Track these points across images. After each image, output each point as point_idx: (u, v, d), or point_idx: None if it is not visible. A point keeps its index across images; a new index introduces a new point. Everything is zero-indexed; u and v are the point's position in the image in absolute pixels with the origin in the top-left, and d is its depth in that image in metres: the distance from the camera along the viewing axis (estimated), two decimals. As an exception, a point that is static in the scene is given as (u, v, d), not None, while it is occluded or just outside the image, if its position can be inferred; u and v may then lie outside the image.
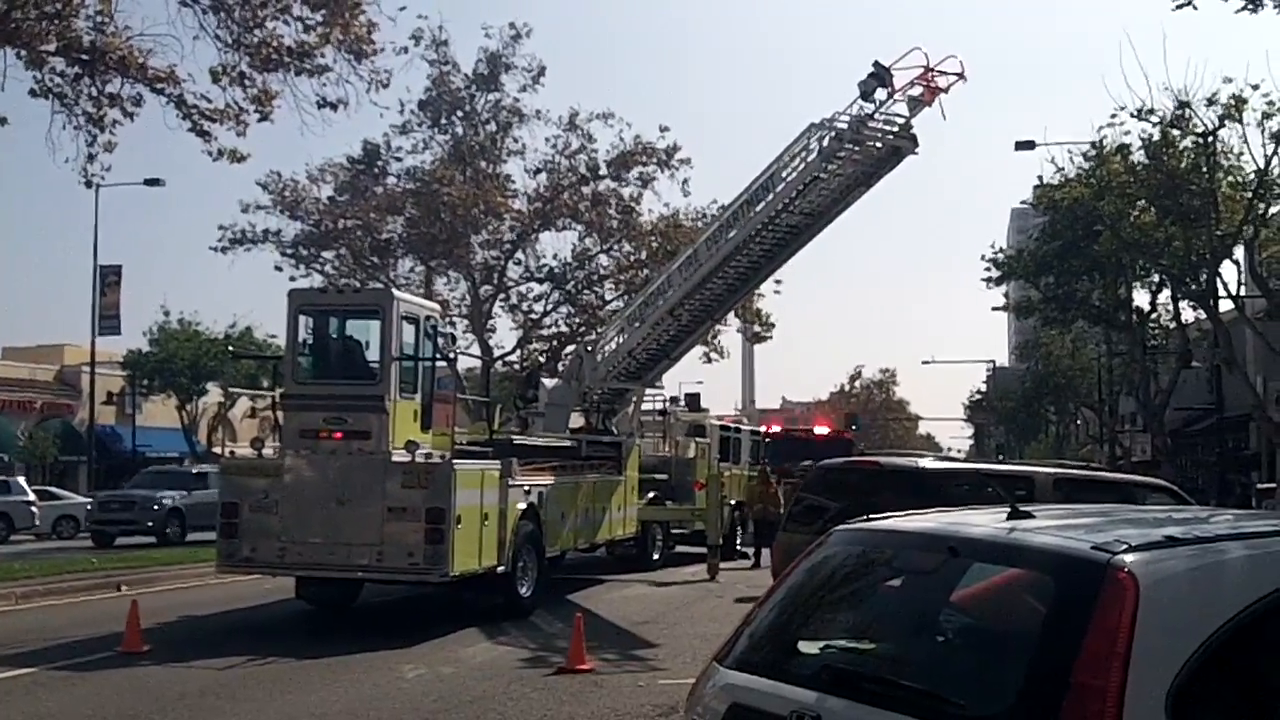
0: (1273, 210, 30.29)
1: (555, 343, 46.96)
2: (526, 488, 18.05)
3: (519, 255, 46.13)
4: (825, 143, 19.68)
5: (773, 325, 48.13)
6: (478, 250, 45.03)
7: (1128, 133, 31.23)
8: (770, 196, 20.44)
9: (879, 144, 20.00)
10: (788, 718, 4.04)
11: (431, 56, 43.09)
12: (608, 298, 46.86)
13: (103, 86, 21.66)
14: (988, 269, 44.54)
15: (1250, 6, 20.74)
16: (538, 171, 45.12)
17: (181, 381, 56.76)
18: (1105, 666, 3.44)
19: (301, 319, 17.17)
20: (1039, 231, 42.40)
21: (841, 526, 5.00)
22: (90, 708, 11.17)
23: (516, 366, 46.68)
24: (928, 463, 15.64)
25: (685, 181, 44.45)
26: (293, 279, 43.33)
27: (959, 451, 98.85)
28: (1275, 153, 28.35)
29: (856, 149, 19.93)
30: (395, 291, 19.98)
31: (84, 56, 21.21)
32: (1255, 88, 27.90)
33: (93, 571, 22.80)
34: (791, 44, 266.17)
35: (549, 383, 26.00)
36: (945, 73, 19.36)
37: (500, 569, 16.95)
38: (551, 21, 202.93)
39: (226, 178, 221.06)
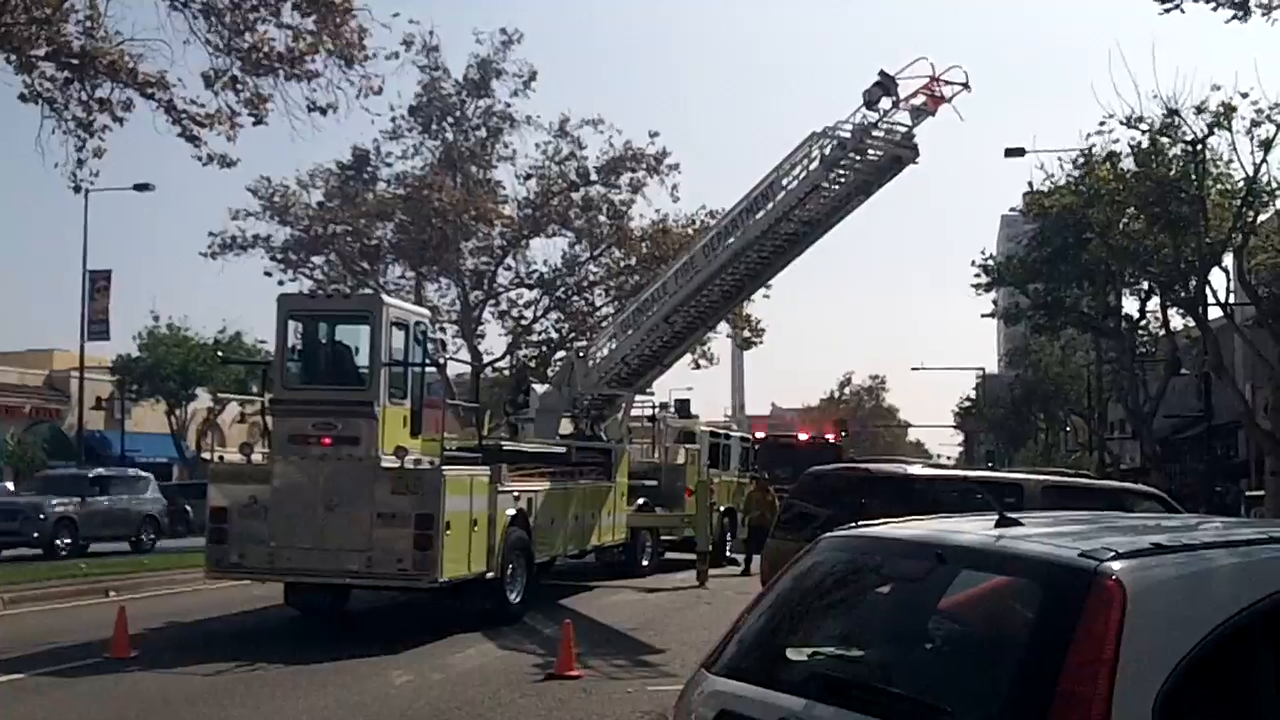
0: (1261, 218, 30.36)
1: (545, 349, 46.92)
2: (516, 494, 18.05)
3: (509, 261, 46.10)
4: (828, 151, 19.70)
5: (762, 331, 48.14)
6: (468, 256, 45.00)
7: (1117, 140, 31.29)
8: (770, 205, 20.47)
9: (880, 153, 20.03)
10: (775, 725, 4.04)
11: (422, 62, 43.09)
12: (598, 304, 46.87)
13: (93, 91, 21.61)
14: (977, 276, 44.59)
15: (1239, 16, 20.79)
16: (528, 177, 45.12)
17: (170, 387, 56.70)
18: (1092, 674, 3.44)
19: (291, 324, 17.15)
20: (1028, 238, 42.46)
21: (830, 534, 5.01)
22: (77, 714, 11.14)
23: (506, 372, 46.63)
24: (917, 470, 15.67)
25: (675, 187, 44.48)
26: (282, 284, 43.26)
27: (948, 458, 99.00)
28: (1264, 160, 28.44)
29: (858, 158, 19.95)
30: (385, 297, 20.01)
31: (74, 61, 21.16)
32: (1244, 95, 27.96)
33: (81, 577, 22.74)
34: (780, 52, 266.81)
35: (539, 389, 26.02)
36: (950, 82, 19.39)
37: (489, 575, 16.94)
38: (542, 28, 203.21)
39: (216, 183, 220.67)
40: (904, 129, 19.69)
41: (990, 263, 44.96)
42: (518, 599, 17.87)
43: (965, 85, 19.52)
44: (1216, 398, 39.61)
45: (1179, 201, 29.76)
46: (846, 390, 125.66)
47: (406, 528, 15.52)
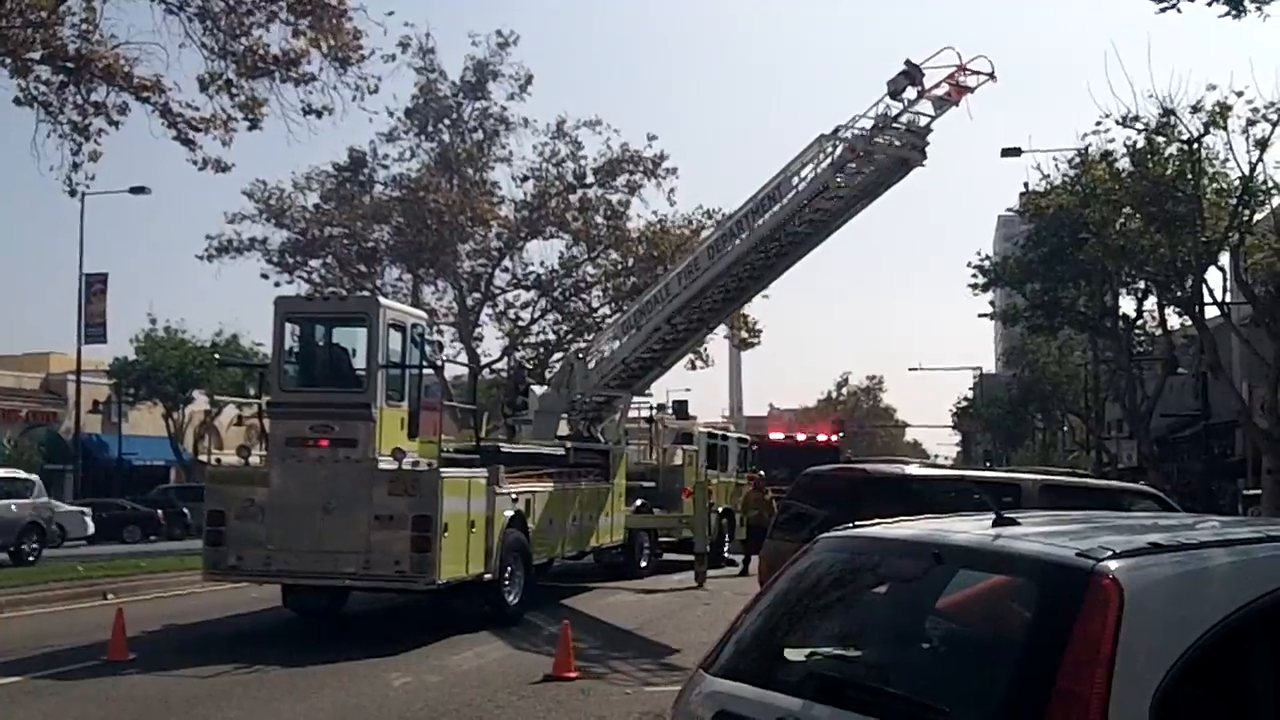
0: (1257, 217, 30.38)
1: (542, 350, 46.95)
2: (513, 495, 18.04)
3: (506, 263, 46.16)
4: (837, 153, 19.72)
5: (760, 332, 48.23)
6: (465, 258, 45.03)
7: (1113, 140, 31.31)
8: (776, 207, 20.50)
9: (888, 155, 20.03)
10: (773, 725, 4.04)
11: (419, 64, 43.16)
12: (595, 305, 46.90)
13: (88, 95, 21.61)
14: (974, 276, 44.61)
15: (1233, 12, 20.81)
16: (525, 179, 45.18)
17: (168, 390, 56.64)
18: (1089, 673, 3.44)
19: (288, 327, 17.14)
20: (1025, 238, 42.50)
21: (827, 534, 5.01)
22: (75, 717, 11.14)
23: (503, 374, 46.65)
24: (914, 470, 15.66)
25: (672, 190, 44.52)
26: (279, 287, 43.29)
27: (946, 458, 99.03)
28: (1260, 159, 28.47)
29: (867, 160, 19.97)
30: (382, 299, 19.97)
31: (69, 64, 21.16)
32: (1239, 94, 28.00)
33: (79, 580, 22.71)
34: (778, 54, 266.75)
35: (538, 390, 26.01)
36: (976, 72, 19.37)
37: (487, 577, 16.94)
38: (539, 30, 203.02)
39: (213, 185, 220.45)
40: (926, 119, 19.66)
41: (987, 263, 45.00)
42: (516, 600, 17.86)
43: (991, 75, 19.47)
44: (1213, 397, 39.67)
45: (1175, 201, 29.78)
46: (844, 390, 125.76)
47: (404, 529, 15.52)
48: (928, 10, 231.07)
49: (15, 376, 57.97)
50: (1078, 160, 33.75)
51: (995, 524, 4.35)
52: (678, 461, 28.36)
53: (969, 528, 4.49)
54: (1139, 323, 43.13)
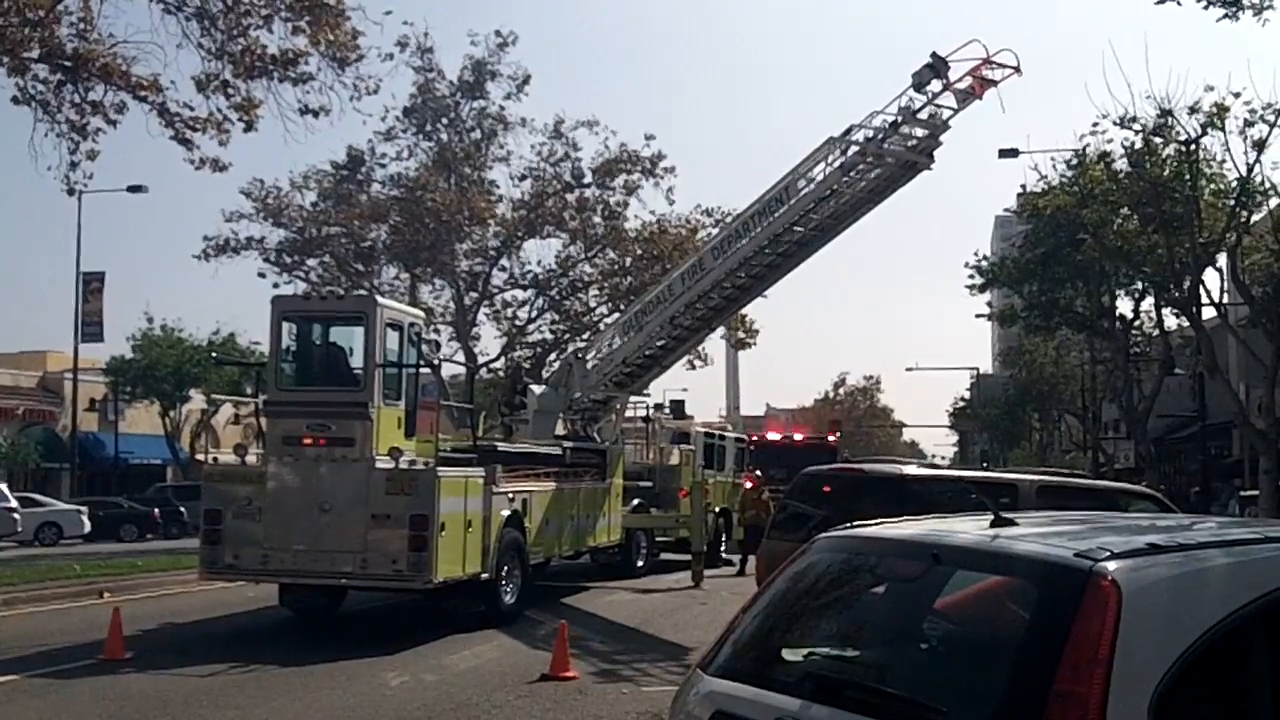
0: (1255, 218, 30.39)
1: (539, 350, 46.93)
2: (510, 495, 18.04)
3: (503, 262, 46.13)
4: (847, 156, 19.73)
5: (757, 332, 48.22)
6: (462, 257, 45.01)
7: (1110, 141, 31.31)
8: (783, 209, 20.54)
9: (897, 159, 20.05)
10: (771, 726, 4.04)
11: (417, 63, 43.15)
12: (592, 305, 46.89)
13: (85, 94, 21.61)
14: (971, 276, 44.59)
15: (1230, 15, 20.84)
16: (523, 178, 45.17)
17: (164, 388, 56.61)
18: (1087, 674, 3.44)
19: (285, 325, 17.12)
20: (1022, 239, 42.48)
21: (825, 534, 5.00)
22: (72, 715, 11.12)
23: (500, 373, 46.63)
24: (911, 470, 15.67)
25: (670, 190, 44.50)
26: (276, 286, 43.27)
27: (943, 459, 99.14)
28: (1257, 160, 28.49)
29: (877, 163, 19.98)
30: (379, 298, 19.99)
31: (67, 63, 21.16)
32: (1237, 95, 28.00)
33: (76, 578, 22.71)
34: (776, 54, 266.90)
35: (537, 389, 26.00)
36: (1002, 65, 19.35)
37: (484, 576, 16.93)
38: (537, 29, 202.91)
39: (210, 184, 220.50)
40: (949, 112, 19.65)
41: (984, 263, 44.99)
42: (513, 600, 17.86)
43: (1016, 69, 19.45)
44: (1210, 397, 39.64)
45: (1173, 201, 29.81)
46: (841, 390, 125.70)
47: (401, 529, 15.50)
48: (927, 10, 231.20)
49: (12, 375, 57.94)
50: (1075, 161, 33.75)
51: (993, 524, 4.35)
52: (674, 461, 28.35)
53: (967, 528, 4.48)
54: (1136, 323, 43.12)
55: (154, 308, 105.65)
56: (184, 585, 22.21)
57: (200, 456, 49.48)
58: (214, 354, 50.99)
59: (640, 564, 26.24)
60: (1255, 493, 32.88)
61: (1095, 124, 31.50)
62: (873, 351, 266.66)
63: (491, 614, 17.29)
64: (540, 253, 61.75)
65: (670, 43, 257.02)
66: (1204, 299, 32.04)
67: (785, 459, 32.61)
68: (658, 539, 27.28)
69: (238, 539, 16.20)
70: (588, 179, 44.57)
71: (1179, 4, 20.38)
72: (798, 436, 44.00)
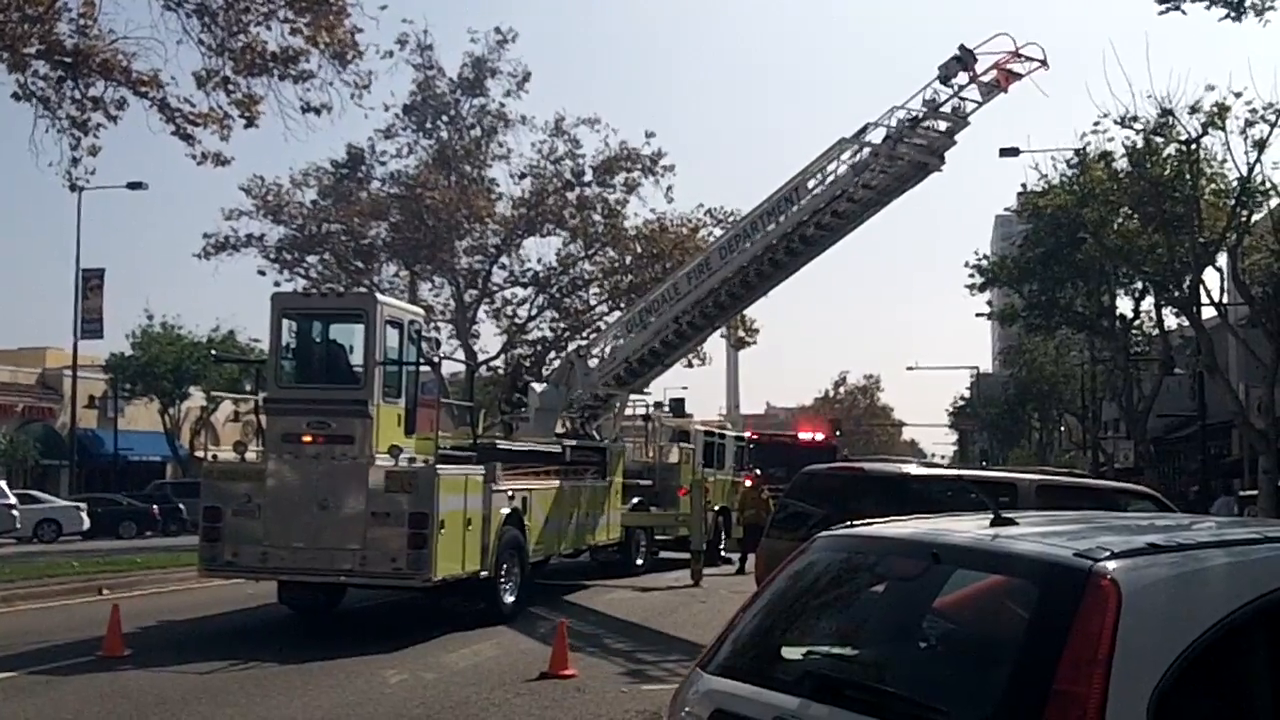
0: (1255, 218, 30.38)
1: (539, 347, 46.95)
2: (510, 493, 18.02)
3: (503, 260, 46.15)
4: (859, 156, 19.74)
5: (757, 331, 48.24)
6: (462, 255, 45.04)
7: (1111, 140, 31.28)
8: (794, 209, 20.58)
9: (909, 160, 20.05)
10: (770, 724, 4.03)
11: (417, 61, 43.18)
12: (592, 303, 46.91)
13: (86, 90, 21.59)
14: (972, 275, 44.55)
15: (1233, 16, 20.83)
16: (523, 176, 45.19)
17: (164, 385, 56.60)
18: (1087, 673, 3.44)
19: (285, 323, 17.10)
20: (1023, 238, 42.45)
21: (825, 532, 5.00)
22: (70, 712, 11.11)
23: (501, 371, 46.64)
24: (911, 469, 15.66)
25: (670, 188, 44.52)
26: (276, 283, 43.33)
27: (942, 458, 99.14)
28: (1258, 160, 28.47)
29: (889, 164, 19.99)
30: (379, 296, 19.97)
31: (67, 59, 21.13)
32: (1238, 95, 27.99)
33: (74, 575, 22.72)
34: (776, 53, 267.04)
35: (538, 387, 26.00)
36: (1029, 58, 19.34)
37: (483, 574, 16.92)
38: (537, 27, 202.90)
39: (210, 181, 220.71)
40: (973, 105, 19.64)
41: (984, 263, 44.97)
42: (512, 598, 17.85)
43: (1043, 62, 19.42)
44: (1210, 397, 39.60)
45: (1173, 201, 29.79)
46: (841, 389, 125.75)
47: (400, 527, 15.49)
48: (926, 11, 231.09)
49: (11, 371, 57.93)
50: (1076, 160, 33.74)
51: (993, 524, 4.34)
52: (674, 459, 28.35)
53: (967, 527, 4.48)
54: (1136, 323, 43.09)
55: (154, 304, 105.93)
56: (183, 582, 22.22)
57: (200, 454, 49.55)
58: (214, 351, 51.00)
59: (640, 562, 26.25)
60: (1254, 492, 32.87)
61: (1096, 123, 31.52)
62: (873, 350, 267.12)
63: (491, 612, 17.28)
64: (540, 251, 61.89)
65: (671, 41, 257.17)
66: (1204, 299, 32.03)
67: (784, 458, 32.60)
68: (657, 537, 27.29)
69: (237, 536, 16.18)
70: (588, 177, 44.59)
71: (1183, 12, 20.39)
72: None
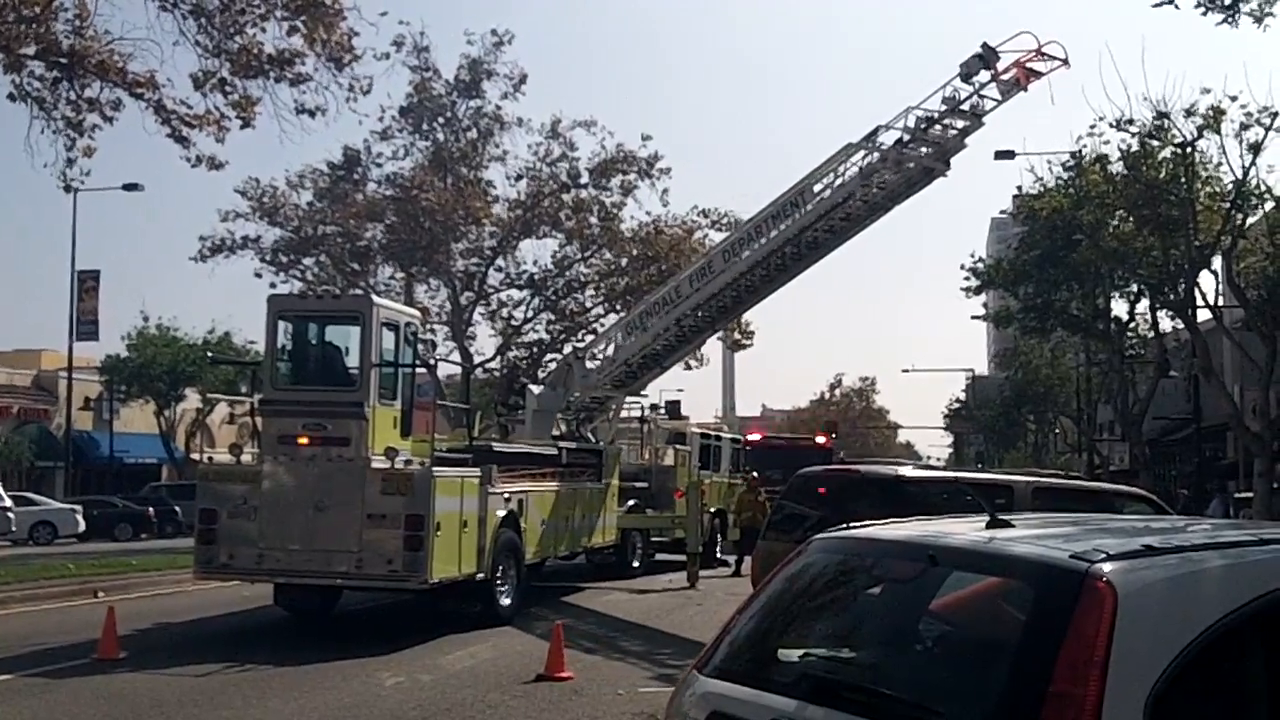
0: (1250, 221, 30.42)
1: (535, 350, 46.93)
2: (506, 495, 18.02)
3: (499, 262, 46.12)
4: (868, 160, 19.75)
5: (753, 333, 48.25)
6: (458, 257, 45.01)
7: (1107, 143, 31.31)
8: (800, 213, 20.59)
9: (916, 164, 20.07)
10: (767, 726, 4.04)
11: (413, 62, 43.16)
12: (588, 305, 46.89)
13: (82, 91, 21.57)
14: (967, 278, 44.59)
15: (1228, 20, 20.84)
16: (519, 178, 45.17)
17: (159, 387, 56.57)
18: (1083, 675, 3.44)
19: (281, 325, 17.09)
20: (1018, 241, 42.48)
21: (821, 535, 5.00)
22: (65, 715, 11.10)
23: (497, 373, 46.64)
24: (907, 471, 15.66)
25: (665, 191, 44.52)
26: (272, 285, 43.28)
27: (938, 460, 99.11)
28: (1253, 163, 28.52)
29: (897, 168, 20.01)
30: (375, 298, 19.97)
31: (63, 60, 21.13)
32: (1233, 99, 28.03)
33: (70, 577, 22.69)
34: (773, 54, 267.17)
35: (535, 389, 25.99)
36: (1051, 57, 19.35)
37: (479, 576, 16.91)
38: (534, 29, 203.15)
39: (205, 183, 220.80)
40: (992, 103, 19.66)
41: (980, 265, 45.00)
42: (508, 600, 17.84)
43: (1064, 61, 19.42)
44: (1205, 400, 39.66)
45: (1168, 204, 29.83)
46: (837, 392, 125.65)
47: (396, 529, 15.48)
48: (924, 12, 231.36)
49: (7, 373, 57.86)
50: (1072, 163, 33.76)
51: (989, 526, 4.35)
52: (670, 462, 28.34)
53: (963, 530, 4.49)
54: (1131, 325, 43.12)
55: (149, 306, 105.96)
56: (179, 585, 22.18)
57: (195, 456, 49.46)
58: (209, 353, 50.99)
59: (636, 564, 26.25)
60: (1250, 495, 32.91)
61: (1092, 126, 31.54)
62: (869, 353, 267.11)
63: (487, 614, 17.26)
64: (536, 253, 61.78)
65: (667, 43, 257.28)
66: (1199, 301, 32.08)
67: (781, 460, 32.59)
68: (653, 539, 27.29)
69: (233, 538, 16.16)
70: (584, 179, 44.58)
71: (1176, 7, 20.38)
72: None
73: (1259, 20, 20.82)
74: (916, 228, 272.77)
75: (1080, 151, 32.83)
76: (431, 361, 25.85)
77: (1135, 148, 30.04)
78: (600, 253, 45.77)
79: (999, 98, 19.58)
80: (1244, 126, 28.03)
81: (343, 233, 43.93)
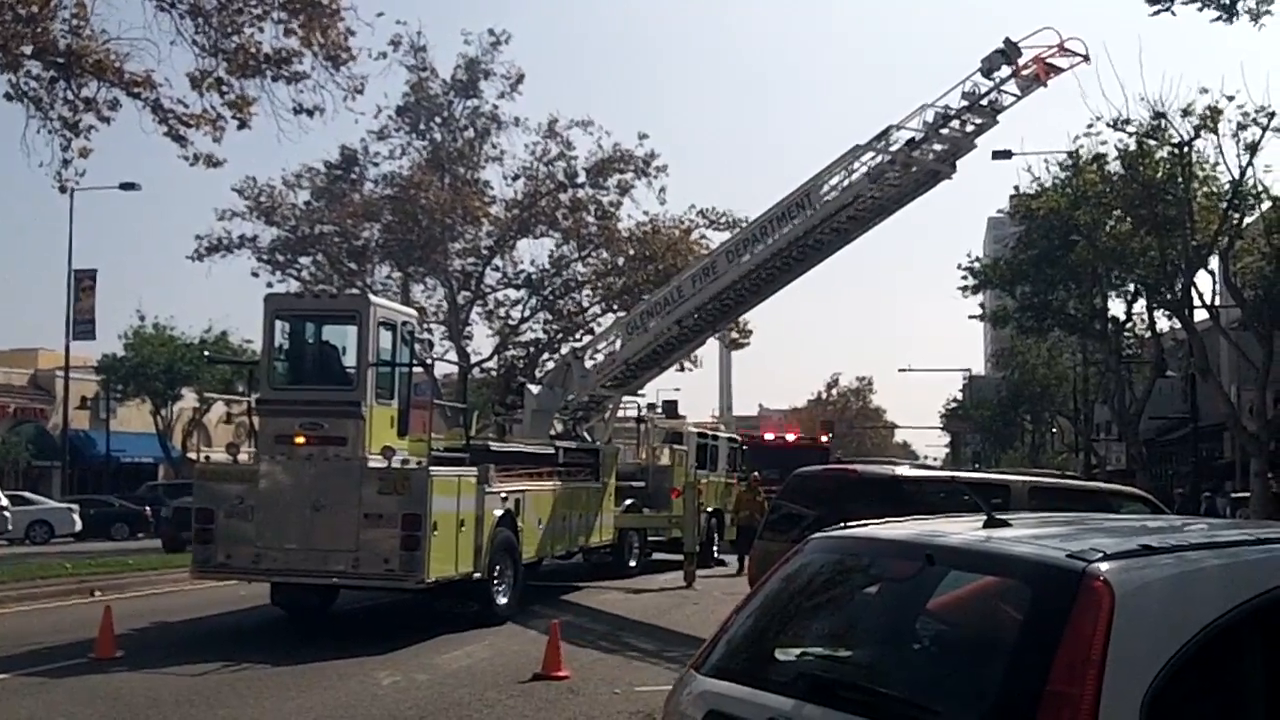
0: (1247, 220, 30.47)
1: (532, 349, 46.91)
2: (503, 494, 18.02)
3: (496, 261, 46.09)
4: (876, 162, 19.76)
5: (750, 333, 48.24)
6: (455, 257, 44.97)
7: (1104, 143, 31.39)
8: (806, 214, 20.59)
9: (923, 167, 20.07)
10: (764, 726, 4.04)
11: (410, 62, 43.12)
12: (585, 304, 46.87)
13: (78, 90, 21.55)
14: (964, 278, 44.61)
15: (1224, 17, 20.88)
16: (516, 178, 45.13)
17: (156, 386, 56.49)
18: (1080, 674, 3.45)
19: (278, 324, 17.09)
20: (1015, 240, 42.50)
21: (818, 534, 5.01)
22: (62, 714, 11.10)
23: (493, 373, 46.61)
24: (904, 471, 15.67)
25: (662, 190, 44.48)
26: (269, 285, 43.22)
27: (935, 460, 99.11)
28: (1250, 163, 28.57)
29: (904, 170, 20.02)
30: (372, 297, 19.94)
31: (60, 60, 21.10)
32: (1230, 99, 28.10)
33: (67, 577, 22.67)
34: (770, 54, 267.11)
35: (534, 389, 25.98)
36: (1072, 53, 19.36)
37: (476, 576, 16.91)
38: (531, 28, 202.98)
39: (202, 182, 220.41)
40: (1011, 98, 19.67)
41: (977, 265, 45.02)
42: (505, 600, 17.84)
43: (1085, 57, 19.43)
44: (1202, 400, 39.71)
45: (1165, 204, 29.89)
46: (834, 391, 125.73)
47: (393, 528, 15.48)
48: (921, 12, 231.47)
49: (3, 373, 57.82)
50: (1069, 163, 33.79)
51: (986, 525, 4.35)
52: (667, 461, 28.33)
53: (960, 529, 4.49)
54: (1128, 325, 43.17)
55: (146, 305, 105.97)
56: (176, 584, 22.18)
57: (192, 455, 49.42)
58: (206, 352, 50.94)
59: (633, 564, 26.24)
60: (1247, 494, 32.97)
61: (1089, 126, 31.61)
62: (865, 352, 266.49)
63: (484, 613, 17.26)
64: (533, 252, 61.71)
65: (664, 42, 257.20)
66: (1196, 301, 32.14)
67: (778, 460, 32.61)
68: (650, 539, 27.28)
69: (230, 538, 16.16)
70: (581, 179, 44.55)
71: (1173, 13, 20.43)
72: (789, 437, 44.10)
73: (1256, 18, 20.88)
74: (913, 227, 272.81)
75: (1077, 151, 32.89)
76: (429, 361, 25.92)
77: (1132, 148, 30.09)
78: (597, 252, 45.73)
79: (1018, 93, 19.57)
80: (1241, 126, 28.13)
81: (340, 232, 43.89)
